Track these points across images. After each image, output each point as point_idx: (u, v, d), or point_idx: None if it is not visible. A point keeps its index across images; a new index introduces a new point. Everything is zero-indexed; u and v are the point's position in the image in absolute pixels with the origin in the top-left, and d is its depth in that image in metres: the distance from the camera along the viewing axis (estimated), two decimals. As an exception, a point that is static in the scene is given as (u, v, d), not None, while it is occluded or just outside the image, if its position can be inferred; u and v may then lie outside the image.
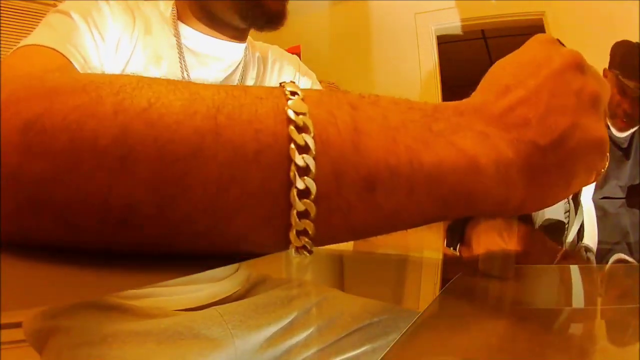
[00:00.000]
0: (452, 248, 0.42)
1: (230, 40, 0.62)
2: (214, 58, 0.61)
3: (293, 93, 0.20)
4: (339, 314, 0.23)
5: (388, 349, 0.17)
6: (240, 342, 0.18)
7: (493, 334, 0.19)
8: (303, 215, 0.19)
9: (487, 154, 0.22)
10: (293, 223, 0.19)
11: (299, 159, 0.19)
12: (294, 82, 0.22)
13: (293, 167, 0.19)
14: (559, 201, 0.24)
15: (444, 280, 0.31)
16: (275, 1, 0.56)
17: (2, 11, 1.83)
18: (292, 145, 0.19)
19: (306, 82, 0.72)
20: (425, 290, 0.29)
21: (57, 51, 0.48)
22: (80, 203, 0.18)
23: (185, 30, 0.59)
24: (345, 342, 0.19)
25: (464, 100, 0.24)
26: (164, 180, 0.18)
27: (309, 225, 0.19)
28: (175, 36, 0.59)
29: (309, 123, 0.19)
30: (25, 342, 0.14)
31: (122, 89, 0.19)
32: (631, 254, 0.42)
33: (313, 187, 0.19)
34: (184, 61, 0.58)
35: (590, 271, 0.35)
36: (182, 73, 0.58)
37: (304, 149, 0.19)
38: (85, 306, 0.17)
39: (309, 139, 0.19)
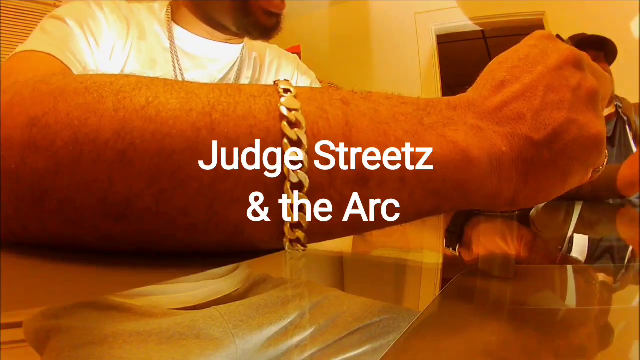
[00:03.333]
0: (451, 249, 0.42)
1: (226, 42, 0.62)
2: (209, 60, 0.61)
3: (286, 90, 0.21)
4: (340, 313, 0.23)
5: (388, 349, 0.17)
6: (241, 342, 0.18)
7: (493, 334, 0.19)
8: (296, 225, 0.20)
9: (479, 146, 0.22)
10: (287, 215, 0.20)
11: (292, 153, 0.19)
12: (287, 80, 0.22)
13: (287, 162, 0.19)
14: (554, 197, 0.24)
15: (444, 281, 0.31)
16: (269, 18, 0.57)
17: (2, 11, 1.83)
18: (285, 140, 0.19)
19: (305, 81, 0.72)
20: (425, 290, 0.29)
21: (55, 57, 0.48)
22: (81, 195, 0.19)
23: (179, 32, 0.59)
24: (346, 341, 0.19)
25: (458, 95, 0.24)
26: (161, 172, 0.19)
27: (302, 218, 0.20)
28: (169, 39, 0.58)
29: (301, 118, 0.20)
30: (26, 342, 0.14)
31: (122, 89, 0.20)
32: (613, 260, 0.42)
33: (306, 181, 0.19)
34: (178, 64, 0.58)
35: (588, 271, 0.35)
36: (177, 76, 0.58)
37: (296, 144, 0.19)
38: (86, 306, 0.17)
39: (301, 134, 0.19)
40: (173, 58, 0.58)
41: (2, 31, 1.83)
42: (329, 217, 0.21)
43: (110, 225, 0.19)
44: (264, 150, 0.19)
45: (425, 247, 0.44)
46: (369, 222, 0.21)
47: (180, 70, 0.58)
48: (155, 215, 0.19)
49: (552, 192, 0.24)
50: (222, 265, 0.21)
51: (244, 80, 0.66)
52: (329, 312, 0.23)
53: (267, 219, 0.20)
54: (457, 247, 0.43)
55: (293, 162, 0.19)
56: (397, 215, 0.22)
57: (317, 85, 0.75)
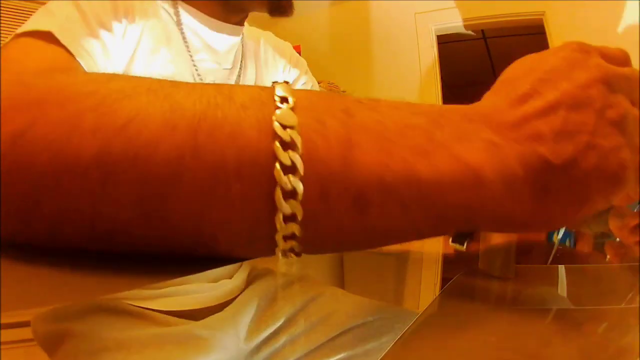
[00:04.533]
0: (458, 244, 0.41)
1: (230, 24, 0.61)
2: (216, 40, 0.60)
3: (283, 100, 0.19)
4: (333, 311, 0.23)
5: (387, 350, 0.17)
6: (243, 342, 0.18)
7: (493, 334, 0.19)
8: (289, 237, 0.19)
9: (493, 167, 0.20)
10: (279, 244, 0.19)
11: (285, 181, 0.18)
12: (287, 82, 0.20)
13: (278, 190, 0.18)
14: (567, 224, 0.23)
15: (444, 280, 0.31)
16: None
17: (2, 11, 1.83)
18: (277, 166, 0.18)
19: (295, 73, 0.72)
20: (425, 289, 0.29)
21: (57, 40, 0.45)
22: (67, 220, 0.18)
23: (186, 14, 0.59)
24: (338, 341, 0.19)
25: (474, 104, 0.23)
26: (147, 200, 0.18)
27: (295, 246, 0.19)
28: (175, 15, 0.58)
29: (297, 139, 0.18)
30: (25, 342, 0.14)
31: (103, 101, 0.18)
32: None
33: (300, 211, 0.18)
34: (186, 43, 0.58)
35: (589, 271, 0.35)
36: (189, 54, 0.57)
37: (290, 170, 0.18)
38: (99, 310, 0.17)
39: (296, 158, 0.18)
40: (182, 37, 0.58)
41: (2, 31, 1.82)
42: (323, 241, 0.20)
43: (100, 246, 0.19)
44: (253, 175, 0.18)
45: (426, 245, 0.44)
46: (365, 245, 0.21)
47: (189, 49, 0.58)
48: (144, 238, 0.19)
49: (565, 220, 0.22)
50: (221, 266, 0.21)
51: (250, 69, 0.66)
52: (323, 310, 0.23)
53: (258, 244, 0.19)
54: (466, 243, 0.42)
55: (285, 191, 0.18)
56: (395, 240, 0.21)
57: (308, 75, 0.74)
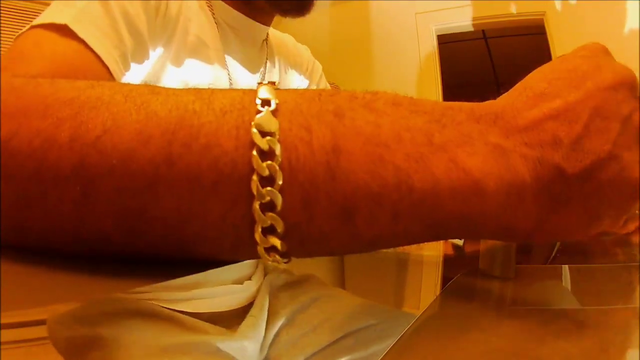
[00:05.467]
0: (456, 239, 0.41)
1: (257, 23, 0.61)
2: (246, 33, 0.60)
3: (265, 102, 0.18)
4: (337, 312, 0.23)
5: (387, 350, 0.17)
6: (259, 350, 0.17)
7: (493, 334, 0.19)
8: (271, 249, 0.18)
9: (498, 175, 0.18)
10: (262, 255, 0.18)
11: (262, 193, 0.17)
12: (272, 83, 0.20)
13: (256, 204, 0.17)
14: (574, 239, 0.21)
15: (445, 279, 0.31)
16: None
17: (2, 11, 1.83)
18: (255, 177, 0.17)
19: (313, 76, 0.71)
20: (426, 289, 0.29)
21: (73, 33, 0.42)
22: (55, 229, 0.18)
23: (219, 9, 0.58)
24: (342, 344, 0.18)
25: (486, 102, 0.21)
26: (126, 212, 0.18)
27: (278, 258, 0.19)
28: (210, 10, 0.57)
29: (276, 147, 0.17)
30: (26, 342, 0.14)
31: (80, 110, 0.18)
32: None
33: (280, 224, 0.17)
34: (222, 39, 0.57)
35: (589, 270, 0.35)
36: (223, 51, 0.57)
37: (268, 181, 0.17)
38: (126, 313, 0.17)
39: (274, 169, 0.17)
40: (217, 27, 0.57)
41: (2, 31, 1.83)
42: (309, 249, 0.19)
43: (89, 253, 0.19)
44: (229, 187, 0.17)
45: (426, 246, 0.44)
46: (356, 251, 0.20)
47: (219, 39, 0.57)
48: (130, 246, 0.19)
49: (572, 234, 0.20)
50: (223, 266, 0.21)
51: (274, 70, 0.66)
52: (326, 311, 0.23)
53: (241, 253, 0.19)
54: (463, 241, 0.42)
55: (263, 204, 0.17)
56: (387, 246, 0.20)
57: (323, 79, 0.74)
